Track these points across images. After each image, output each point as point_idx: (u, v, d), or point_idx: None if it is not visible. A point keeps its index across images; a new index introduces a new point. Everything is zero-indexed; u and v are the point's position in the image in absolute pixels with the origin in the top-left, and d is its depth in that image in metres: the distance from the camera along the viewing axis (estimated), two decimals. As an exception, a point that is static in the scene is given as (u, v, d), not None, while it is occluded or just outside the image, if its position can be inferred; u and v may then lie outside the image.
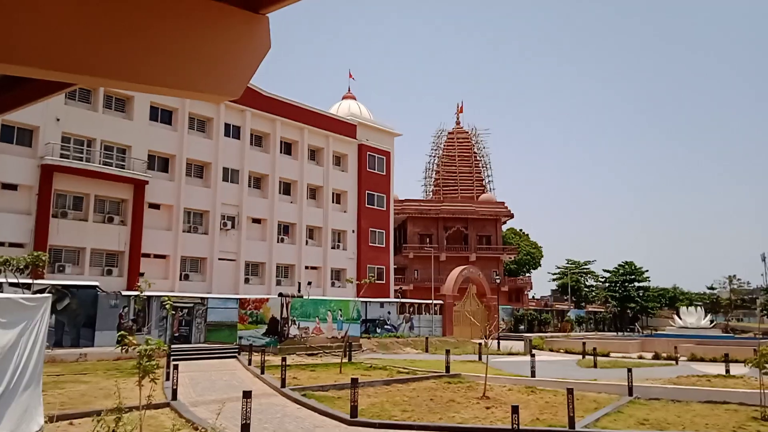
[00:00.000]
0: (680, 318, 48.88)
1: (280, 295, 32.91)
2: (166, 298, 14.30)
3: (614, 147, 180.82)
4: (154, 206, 40.26)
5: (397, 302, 44.59)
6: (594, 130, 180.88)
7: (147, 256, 39.13)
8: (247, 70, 2.62)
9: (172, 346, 26.87)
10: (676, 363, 28.46)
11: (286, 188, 49.70)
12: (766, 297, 67.47)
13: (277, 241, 47.61)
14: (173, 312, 30.00)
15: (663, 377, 21.77)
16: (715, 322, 57.25)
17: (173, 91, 2.44)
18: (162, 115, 41.70)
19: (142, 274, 34.86)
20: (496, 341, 37.80)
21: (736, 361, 25.61)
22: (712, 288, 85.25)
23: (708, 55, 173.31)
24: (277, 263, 47.49)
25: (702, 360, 29.70)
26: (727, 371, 23.82)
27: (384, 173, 56.31)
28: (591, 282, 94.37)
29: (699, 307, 53.71)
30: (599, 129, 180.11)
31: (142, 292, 14.46)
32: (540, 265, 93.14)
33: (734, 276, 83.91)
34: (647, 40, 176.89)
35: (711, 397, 17.71)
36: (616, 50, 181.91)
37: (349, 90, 63.41)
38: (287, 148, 50.16)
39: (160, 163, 41.52)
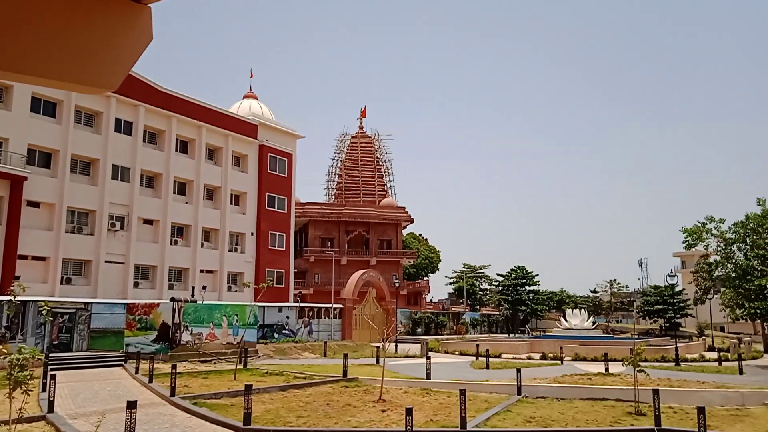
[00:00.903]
0: (566, 320, 51.68)
1: (172, 299, 31.55)
2: (44, 304, 13.29)
3: (507, 155, 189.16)
4: (33, 204, 37.40)
5: (296, 307, 44.10)
6: (488, 138, 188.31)
7: (24, 258, 36.27)
8: (126, 61, 2.47)
9: (51, 354, 25.04)
10: (562, 363, 30.05)
11: (182, 188, 47.83)
12: (642, 300, 72.82)
13: (171, 244, 45.68)
14: (51, 318, 27.92)
15: (549, 376, 22.88)
16: (597, 324, 61.10)
17: (47, 81, 2.28)
18: (45, 107, 38.86)
19: (17, 278, 32.19)
20: (394, 344, 38.30)
21: (615, 360, 27.42)
22: (595, 291, 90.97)
23: (578, 65, 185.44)
24: (170, 266, 45.55)
25: (585, 359, 31.54)
26: (607, 369, 25.46)
27: (285, 175, 55.56)
28: (486, 285, 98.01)
29: (583, 310, 57.09)
30: (493, 137, 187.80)
31: (15, 297, 13.34)
32: (438, 269, 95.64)
33: (614, 280, 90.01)
34: (547, 51, 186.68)
35: (592, 395, 18.84)
36: (517, 61, 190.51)
37: (250, 89, 62.10)
38: (183, 146, 48.29)
39: (42, 158, 38.63)
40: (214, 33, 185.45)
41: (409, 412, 12.21)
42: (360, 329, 46.66)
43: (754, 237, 42.05)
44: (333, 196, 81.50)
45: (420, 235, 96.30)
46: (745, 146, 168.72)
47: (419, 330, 58.99)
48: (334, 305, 47.09)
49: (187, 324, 30.02)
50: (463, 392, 13.85)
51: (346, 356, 24.10)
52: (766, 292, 31.82)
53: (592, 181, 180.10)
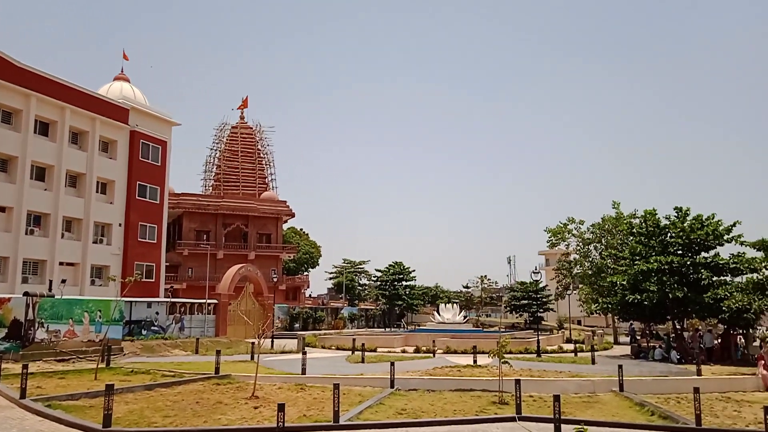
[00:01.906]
0: (439, 314, 53.58)
1: (26, 294, 28.93)
2: None
3: (387, 152, 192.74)
4: None
5: (167, 302, 42.10)
6: (371, 135, 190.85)
7: None
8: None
9: None
10: (434, 356, 31.07)
11: (40, 173, 44.01)
12: (509, 295, 77.07)
13: (26, 234, 41.93)
14: None
15: (421, 369, 23.56)
16: (467, 318, 63.84)
17: None
18: None
19: None
20: (270, 340, 37.70)
21: (483, 353, 28.74)
22: (467, 287, 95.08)
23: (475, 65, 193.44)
24: (25, 258, 41.81)
25: (455, 352, 32.83)
26: (475, 362, 26.69)
27: (159, 164, 52.82)
28: (365, 281, 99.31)
29: (455, 304, 59.45)
30: (374, 134, 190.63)
31: None
32: (318, 264, 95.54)
33: (485, 276, 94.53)
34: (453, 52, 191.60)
35: (460, 386, 19.63)
36: (403, 63, 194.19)
37: (122, 71, 58.32)
38: (44, 128, 44.45)
39: None
40: (86, 13, 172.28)
41: (281, 407, 12.05)
42: (235, 325, 45.45)
43: (609, 238, 46.04)
44: (210, 188, 78.72)
45: (301, 229, 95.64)
46: (605, 145, 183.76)
47: (297, 325, 58.57)
48: (209, 300, 45.52)
49: (43, 320, 27.69)
50: (336, 386, 13.90)
51: (218, 353, 23.36)
52: (616, 288, 34.84)
53: (468, 181, 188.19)
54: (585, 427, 9.32)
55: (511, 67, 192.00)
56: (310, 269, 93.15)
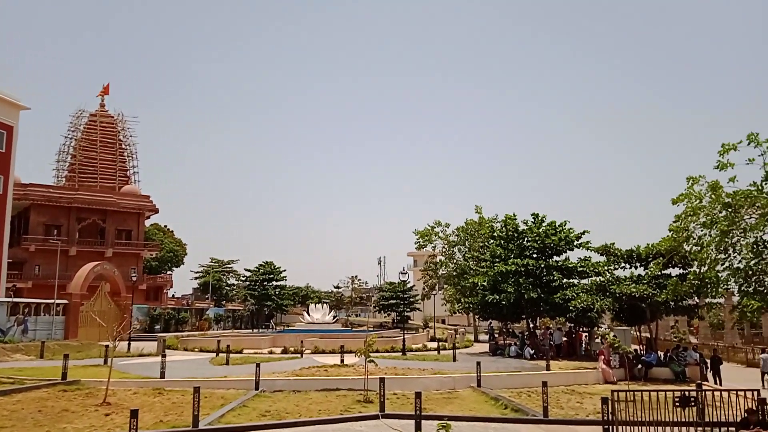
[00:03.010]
0: (309, 314, 53.37)
1: None
2: None
3: (257, 150, 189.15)
4: None
5: (8, 302, 38.23)
6: (241, 132, 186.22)
7: None
8: None
9: None
10: (302, 356, 30.84)
11: None
12: (378, 295, 78.48)
13: None
14: None
15: (288, 370, 23.28)
16: (337, 318, 64.20)
17: None
18: None
19: None
20: (127, 343, 35.45)
21: (351, 352, 29.03)
22: (338, 287, 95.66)
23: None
24: None
25: (324, 352, 32.81)
26: (342, 361, 26.82)
27: (3, 150, 47.84)
28: (233, 281, 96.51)
29: (325, 305, 59.55)
30: (246, 132, 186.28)
31: None
32: (183, 263, 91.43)
33: (356, 276, 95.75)
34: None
35: (326, 386, 19.64)
36: (279, 54, 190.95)
37: (-39, 45, 52.11)
38: None
39: None
40: None
41: (134, 414, 11.33)
42: (88, 327, 42.20)
43: (471, 241, 48.36)
44: (64, 179, 72.59)
45: (165, 226, 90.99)
46: (463, 148, 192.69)
47: (158, 327, 55.59)
48: (57, 301, 41.92)
49: None
50: (197, 390, 13.35)
51: (66, 357, 21.57)
52: (477, 289, 36.63)
53: (342, 182, 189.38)
54: (449, 423, 9.63)
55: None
56: (174, 268, 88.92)
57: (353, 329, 58.03)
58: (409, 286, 64.55)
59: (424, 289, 58.91)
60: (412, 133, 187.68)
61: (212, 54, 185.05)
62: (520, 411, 16.16)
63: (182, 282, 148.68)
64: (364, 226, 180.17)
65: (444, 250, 52.09)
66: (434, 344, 38.63)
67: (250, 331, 61.25)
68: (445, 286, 53.75)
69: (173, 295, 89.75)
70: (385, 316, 78.05)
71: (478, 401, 18.20)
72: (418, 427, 12.23)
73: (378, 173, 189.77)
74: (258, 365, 19.72)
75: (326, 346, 33.88)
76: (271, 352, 33.40)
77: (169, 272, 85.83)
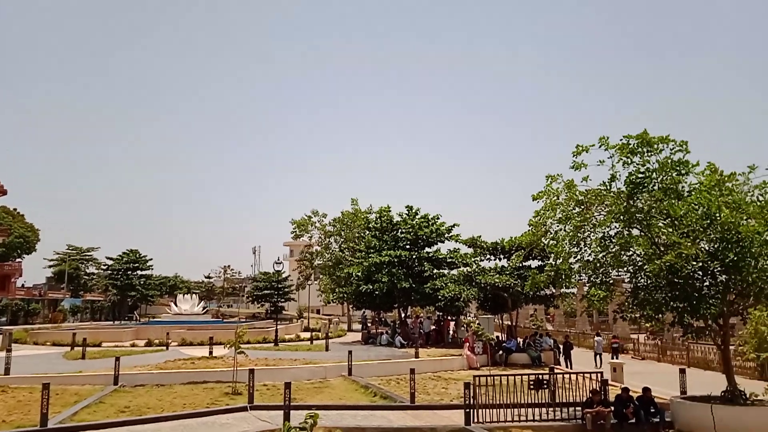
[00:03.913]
0: (177, 305, 51.19)
1: None
2: None
3: (131, 130, 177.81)
4: None
5: None
6: (110, 104, 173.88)
7: None
8: None
9: None
10: (167, 348, 29.52)
11: None
12: (252, 285, 76.93)
13: None
14: None
15: (152, 363, 22.18)
16: (207, 308, 62.15)
17: None
18: None
19: None
20: (-34, 337, 31.96)
21: (220, 344, 28.20)
22: (209, 277, 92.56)
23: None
24: None
25: (192, 344, 31.64)
26: (211, 353, 26.04)
27: None
28: (93, 270, 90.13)
29: (195, 295, 57.40)
30: (116, 104, 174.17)
31: None
32: (36, 250, 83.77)
33: (229, 266, 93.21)
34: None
35: (193, 379, 18.97)
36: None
37: None
38: None
39: None
40: None
41: (-31, 415, 10.22)
42: None
43: (347, 231, 48.79)
44: None
45: (15, 210, 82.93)
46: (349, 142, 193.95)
47: (4, 319, 50.77)
48: None
49: None
50: (46, 386, 12.34)
51: None
52: (352, 279, 37.03)
53: (214, 168, 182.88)
54: (317, 413, 9.60)
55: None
56: (24, 255, 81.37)
57: (224, 320, 56.47)
58: (284, 276, 63.88)
59: (299, 279, 58.67)
60: (292, 122, 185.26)
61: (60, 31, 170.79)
62: (389, 398, 16.56)
63: (34, 271, 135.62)
64: (239, 215, 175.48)
65: (320, 240, 52.12)
66: (308, 334, 38.60)
67: (111, 323, 57.76)
68: (321, 276, 53.83)
69: (23, 285, 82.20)
70: (258, 307, 76.73)
71: (349, 390, 18.42)
72: (286, 418, 12.11)
73: (253, 160, 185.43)
74: (117, 359, 18.62)
75: (194, 338, 32.72)
76: (133, 345, 31.68)
77: (18, 260, 78.41)
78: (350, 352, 21.64)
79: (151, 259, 71.44)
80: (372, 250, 35.68)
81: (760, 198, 13.75)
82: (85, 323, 53.77)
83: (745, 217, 12.88)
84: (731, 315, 14.51)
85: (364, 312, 49.30)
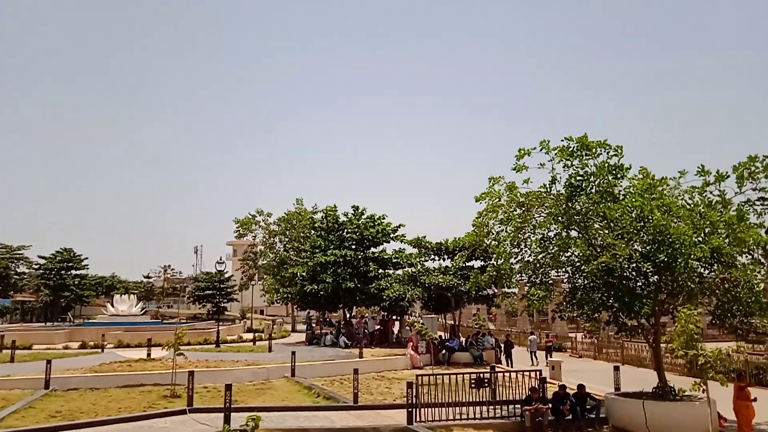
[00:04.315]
0: (113, 306, 49.54)
1: None
2: None
3: (63, 119, 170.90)
4: None
5: None
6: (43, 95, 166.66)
7: None
8: None
9: None
10: (103, 351, 28.53)
11: None
12: (194, 285, 75.19)
13: None
14: None
15: (86, 366, 21.39)
16: (146, 309, 60.36)
17: None
18: None
19: None
20: None
21: (159, 345, 27.41)
22: (148, 277, 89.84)
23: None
24: None
25: (129, 346, 30.68)
26: (149, 355, 25.30)
27: None
28: (23, 269, 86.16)
29: (133, 295, 55.65)
30: (55, 103, 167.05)
31: None
32: (-40, 248, 79.54)
33: (169, 266, 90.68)
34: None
35: (129, 381, 18.38)
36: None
37: None
38: None
39: None
40: None
41: None
42: None
43: (293, 231, 48.36)
44: None
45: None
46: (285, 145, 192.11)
47: (-77, 321, 47.91)
48: None
49: None
50: (-31, 392, 11.69)
51: None
52: (297, 279, 36.72)
53: (153, 165, 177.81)
54: (258, 415, 9.47)
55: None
56: (-51, 254, 77.05)
57: (164, 321, 54.96)
58: (226, 276, 62.82)
59: (242, 279, 57.72)
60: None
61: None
62: (332, 398, 16.50)
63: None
64: (180, 213, 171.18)
65: (265, 239, 51.44)
66: (251, 335, 38.04)
67: (43, 324, 55.34)
68: (265, 276, 53.14)
69: (-53, 285, 77.83)
70: (200, 308, 75.07)
71: (292, 391, 18.26)
72: (227, 420, 11.90)
73: (194, 157, 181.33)
74: (49, 361, 17.84)
75: (132, 340, 31.74)
76: (66, 348, 30.46)
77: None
78: (293, 353, 21.44)
79: (86, 259, 68.90)
80: (317, 250, 35.47)
81: (689, 202, 14.41)
82: (14, 325, 51.26)
83: (675, 220, 13.45)
84: (662, 314, 15.14)
85: (308, 312, 48.96)
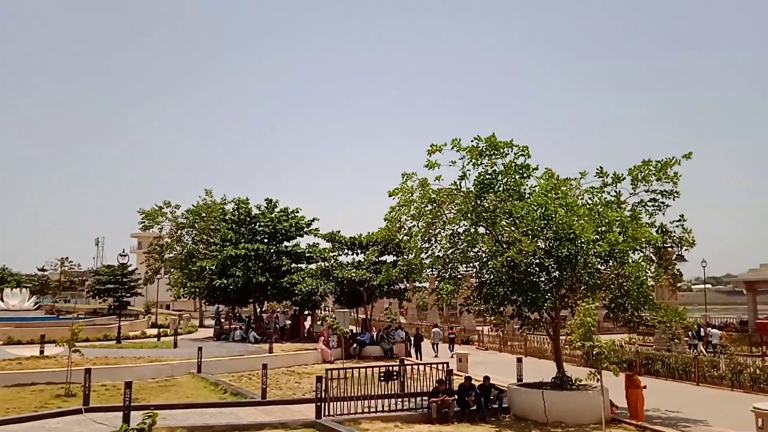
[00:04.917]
0: (3, 300, 46.29)
1: None
2: None
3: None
4: None
5: None
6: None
7: None
8: None
9: None
10: (-9, 348, 26.56)
11: None
12: (94, 279, 71.34)
13: None
14: None
15: (-31, 365, 19.80)
16: (40, 304, 56.80)
17: None
18: None
19: None
20: None
21: (53, 342, 25.83)
22: (43, 269, 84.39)
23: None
24: None
25: (20, 343, 28.70)
26: (42, 352, 23.76)
27: None
28: None
29: (25, 289, 52.23)
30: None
31: None
32: None
33: (66, 258, 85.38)
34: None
35: (19, 380, 17.22)
36: None
37: None
38: None
39: None
40: None
41: None
42: None
43: (202, 223, 46.88)
44: None
45: None
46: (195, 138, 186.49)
47: None
48: None
49: None
50: None
51: None
52: (205, 273, 35.67)
53: (48, 149, 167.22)
54: (156, 412, 9.07)
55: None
56: None
57: (59, 317, 51.81)
58: (130, 269, 60.17)
59: (147, 272, 55.33)
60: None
61: None
62: (239, 394, 16.17)
63: None
64: (79, 203, 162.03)
65: (172, 231, 49.53)
66: (155, 331, 36.58)
67: None
68: (172, 269, 51.21)
69: None
70: (100, 302, 71.41)
71: (197, 387, 17.75)
72: (125, 419, 11.35)
73: (95, 142, 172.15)
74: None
75: (23, 336, 29.71)
76: (-53, 346, 28.09)
77: None
78: (200, 349, 20.81)
79: (-28, 249, 63.89)
80: (228, 243, 34.60)
81: (589, 201, 15.20)
82: None
83: (576, 218, 14.14)
84: (562, 308, 15.89)
85: (218, 307, 47.66)
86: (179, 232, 48.61)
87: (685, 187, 14.97)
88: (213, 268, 34.65)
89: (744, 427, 12.12)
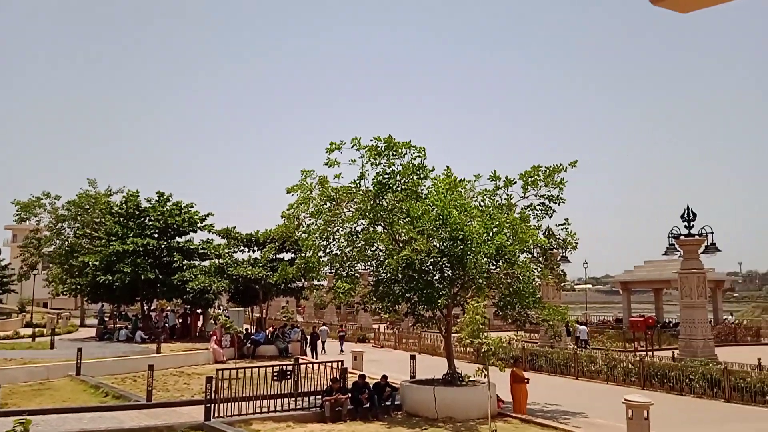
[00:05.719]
0: None
1: None
2: None
3: None
4: None
5: None
6: None
7: None
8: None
9: None
10: None
11: None
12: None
13: None
14: None
15: None
16: None
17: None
18: None
19: None
20: None
21: None
22: None
23: None
24: None
25: None
26: None
27: None
28: None
29: None
30: None
31: None
32: None
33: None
34: None
35: None
36: None
37: None
38: None
39: None
40: None
41: None
42: None
43: (86, 216, 43.99)
44: None
45: None
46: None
47: None
48: None
49: None
50: None
51: None
52: (88, 269, 33.54)
53: None
54: (29, 418, 8.38)
55: None
56: None
57: None
58: (3, 263, 55.57)
59: (22, 267, 51.21)
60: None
61: None
62: (122, 397, 15.35)
63: None
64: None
65: (51, 224, 46.12)
66: (30, 330, 33.96)
67: None
68: (50, 265, 47.69)
69: None
70: (-33, 300, 65.37)
71: (76, 390, 16.67)
72: (-8, 427, 10.43)
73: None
74: None
75: None
76: None
77: None
78: (80, 349, 19.54)
79: None
80: (114, 238, 32.69)
81: (482, 203, 15.76)
82: None
83: (469, 219, 14.61)
84: (455, 306, 16.37)
85: (101, 305, 44.96)
86: (59, 224, 45.35)
87: (569, 192, 15.92)
88: (97, 263, 32.62)
89: (616, 417, 13.03)
